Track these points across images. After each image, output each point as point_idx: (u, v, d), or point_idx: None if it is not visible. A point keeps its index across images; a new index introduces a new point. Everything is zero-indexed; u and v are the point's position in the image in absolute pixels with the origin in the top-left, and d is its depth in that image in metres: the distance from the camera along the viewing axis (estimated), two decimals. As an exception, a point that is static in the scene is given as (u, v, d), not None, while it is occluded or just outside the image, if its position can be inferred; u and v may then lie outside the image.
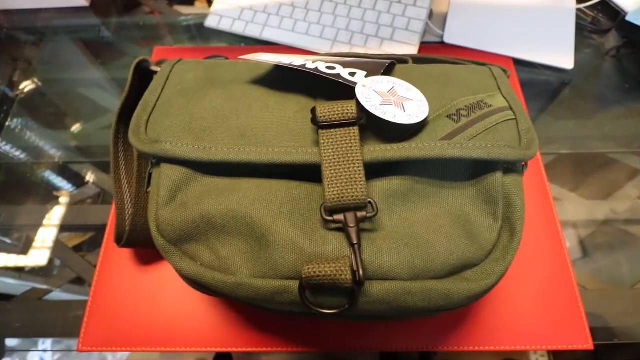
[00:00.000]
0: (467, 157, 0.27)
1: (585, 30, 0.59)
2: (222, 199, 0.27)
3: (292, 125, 0.29)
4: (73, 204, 0.49)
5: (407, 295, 0.25)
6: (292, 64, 0.30)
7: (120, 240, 0.37)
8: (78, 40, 0.61)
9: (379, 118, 0.27)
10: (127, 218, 0.37)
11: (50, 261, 0.45)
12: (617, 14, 0.60)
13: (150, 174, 0.31)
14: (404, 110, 0.27)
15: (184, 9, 0.64)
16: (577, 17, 0.57)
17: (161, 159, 0.29)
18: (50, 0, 0.62)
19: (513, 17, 0.57)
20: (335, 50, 0.55)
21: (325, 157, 0.26)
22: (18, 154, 0.52)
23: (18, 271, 0.46)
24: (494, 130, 0.28)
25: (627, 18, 0.58)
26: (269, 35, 0.57)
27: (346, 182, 0.25)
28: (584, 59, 0.56)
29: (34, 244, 0.47)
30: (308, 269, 0.24)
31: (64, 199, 0.49)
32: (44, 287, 0.44)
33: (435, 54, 0.55)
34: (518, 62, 0.55)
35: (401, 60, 0.39)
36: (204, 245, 0.28)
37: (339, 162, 0.26)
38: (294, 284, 0.25)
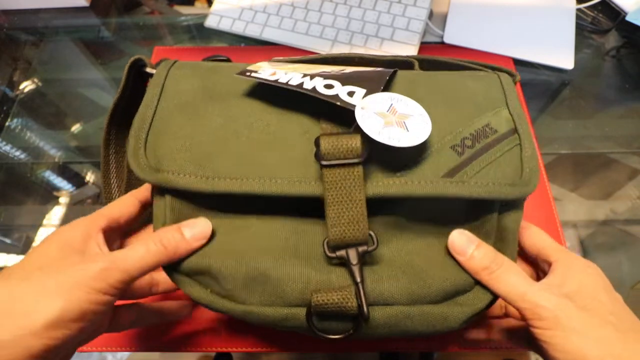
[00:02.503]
0: (467, 197, 0.27)
1: (585, 30, 0.59)
2: (229, 245, 0.28)
3: (295, 152, 0.29)
4: (73, 204, 0.49)
5: (407, 320, 0.27)
6: (290, 82, 0.29)
7: None
8: (78, 40, 0.61)
9: (383, 144, 0.26)
10: None
11: (50, 261, 0.45)
12: (617, 14, 0.60)
13: (151, 193, 0.31)
14: (407, 130, 0.27)
15: (184, 9, 0.64)
16: (577, 17, 0.57)
17: (164, 189, 0.30)
18: (50, 0, 0.62)
19: (513, 17, 0.57)
20: (335, 50, 0.55)
21: (328, 196, 0.27)
22: (18, 154, 0.52)
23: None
24: (496, 165, 0.28)
25: (627, 18, 0.58)
26: (269, 35, 0.57)
27: (348, 223, 0.26)
28: (584, 59, 0.56)
29: (34, 244, 0.47)
30: (316, 297, 0.26)
31: (64, 199, 0.49)
32: (44, 287, 0.44)
33: (436, 54, 0.56)
34: (518, 62, 0.55)
35: (407, 62, 0.37)
36: (212, 278, 0.28)
37: (342, 202, 0.26)
38: (301, 311, 0.26)
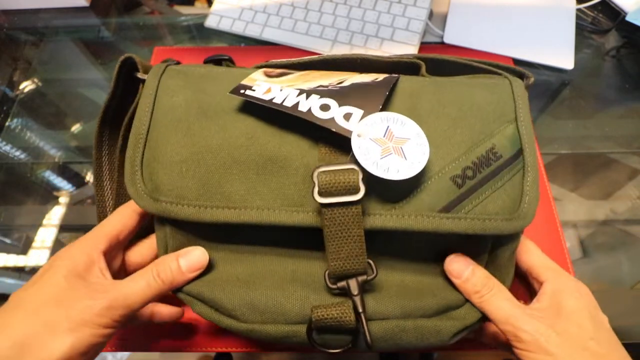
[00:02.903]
0: (462, 232, 0.27)
1: (585, 30, 0.59)
2: (229, 273, 0.30)
3: (294, 180, 0.28)
4: (73, 204, 0.49)
5: (402, 333, 0.28)
6: (285, 103, 0.28)
7: None
8: (78, 40, 0.61)
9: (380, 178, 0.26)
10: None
11: (50, 261, 0.45)
12: (617, 14, 0.60)
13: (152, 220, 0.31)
14: (405, 157, 0.26)
15: (184, 9, 0.64)
16: (577, 17, 0.57)
17: (164, 220, 0.30)
18: (50, 0, 0.62)
19: (513, 17, 0.57)
20: (335, 50, 0.55)
21: (327, 232, 0.27)
22: (18, 154, 0.52)
23: (18, 271, 0.46)
24: (495, 197, 0.28)
25: (627, 18, 0.58)
26: (269, 35, 0.56)
27: (347, 257, 0.27)
28: (584, 59, 0.56)
29: (34, 244, 0.47)
30: (316, 312, 0.27)
31: (64, 199, 0.49)
32: (44, 287, 0.44)
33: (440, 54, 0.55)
34: (518, 62, 0.54)
35: (412, 65, 0.35)
36: (215, 303, 0.29)
37: (340, 237, 0.27)
38: (302, 328, 0.28)
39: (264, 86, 0.30)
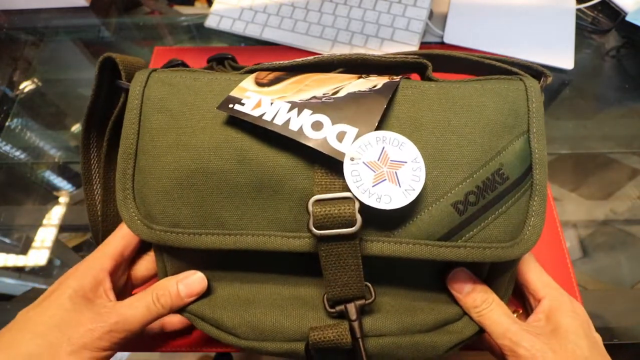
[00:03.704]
0: (460, 261, 0.27)
1: (585, 30, 0.59)
2: (228, 296, 0.31)
3: (290, 204, 0.27)
4: (73, 204, 0.49)
5: (399, 349, 0.28)
6: (275, 120, 0.26)
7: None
8: (78, 40, 0.61)
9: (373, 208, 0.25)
10: (99, 224, 0.35)
11: (50, 261, 0.45)
12: (617, 14, 0.60)
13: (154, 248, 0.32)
14: (399, 185, 0.25)
15: (184, 9, 0.64)
16: (577, 17, 0.57)
17: (160, 247, 0.31)
18: (50, 0, 0.62)
19: (513, 17, 0.57)
20: (335, 50, 0.55)
21: (324, 262, 0.27)
22: (18, 154, 0.52)
23: (18, 271, 0.46)
24: (498, 223, 0.27)
25: (627, 18, 0.58)
26: (269, 35, 0.56)
27: (344, 285, 0.27)
28: (584, 59, 0.56)
29: (34, 244, 0.47)
30: (313, 335, 0.27)
31: (63, 199, 0.49)
32: (44, 287, 0.44)
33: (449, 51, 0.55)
34: (518, 62, 0.55)
35: (418, 65, 0.32)
36: (217, 321, 0.30)
37: (337, 267, 0.27)
38: (301, 345, 0.28)
39: (254, 98, 0.28)
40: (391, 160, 0.26)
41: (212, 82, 0.30)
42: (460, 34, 0.56)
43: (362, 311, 0.29)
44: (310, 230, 0.25)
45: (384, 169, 0.26)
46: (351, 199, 0.25)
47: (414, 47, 0.54)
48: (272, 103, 0.27)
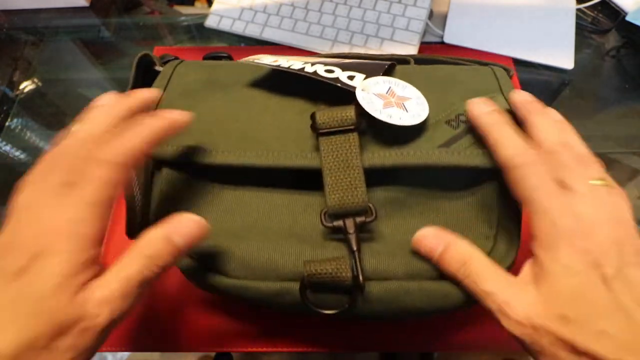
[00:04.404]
0: (463, 165, 0.27)
1: (585, 30, 0.59)
2: (225, 224, 0.29)
3: (292, 128, 0.29)
4: (73, 204, 0.49)
5: (406, 295, 0.26)
6: (291, 67, 0.30)
7: (133, 232, 0.35)
8: (78, 40, 0.61)
9: (380, 121, 0.27)
10: (137, 208, 0.35)
11: (50, 261, 0.45)
12: (617, 14, 0.60)
13: (152, 175, 0.31)
14: (406, 111, 0.27)
15: (184, 9, 0.64)
16: (577, 17, 0.57)
17: (162, 163, 0.30)
18: (50, 0, 0.62)
19: (513, 17, 0.57)
20: (335, 50, 0.55)
21: (325, 164, 0.27)
22: (18, 154, 0.52)
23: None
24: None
25: (627, 18, 0.58)
26: (269, 35, 0.57)
27: (346, 188, 0.26)
28: (584, 59, 0.56)
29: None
30: (309, 267, 0.25)
31: (64, 199, 0.49)
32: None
33: (436, 54, 0.55)
34: (518, 62, 0.55)
35: (402, 60, 0.38)
36: (204, 255, 0.28)
37: (339, 168, 0.26)
38: (295, 285, 0.26)
39: (272, 58, 0.33)
40: (398, 95, 0.29)
41: (233, 63, 0.36)
42: (460, 34, 0.56)
43: (363, 237, 0.27)
44: (311, 130, 0.27)
45: (392, 100, 0.28)
46: (351, 107, 0.27)
47: (414, 47, 0.54)
48: (287, 60, 0.31)
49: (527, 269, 0.24)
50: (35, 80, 0.58)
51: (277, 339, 0.38)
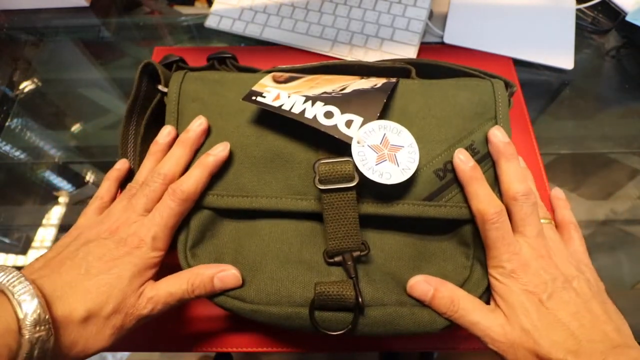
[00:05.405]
0: (442, 217, 0.32)
1: (585, 30, 0.59)
2: (243, 252, 0.33)
3: (298, 173, 0.33)
4: (73, 204, 0.49)
5: (400, 319, 0.30)
6: (293, 110, 0.32)
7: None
8: (78, 40, 0.61)
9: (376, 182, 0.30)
10: None
11: (50, 261, 0.45)
12: (617, 14, 0.60)
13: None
14: (397, 164, 0.30)
15: (184, 9, 0.64)
16: (577, 17, 0.57)
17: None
18: (50, 0, 0.62)
19: (513, 17, 0.57)
20: (335, 50, 0.55)
21: (326, 215, 0.31)
22: (18, 154, 0.52)
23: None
24: None
25: (627, 18, 0.58)
26: (269, 35, 0.57)
27: (343, 237, 0.31)
28: (584, 59, 0.56)
29: (34, 244, 0.47)
30: (319, 287, 0.29)
31: (63, 199, 0.49)
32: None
33: (436, 54, 0.55)
34: (518, 62, 0.55)
35: (404, 70, 0.39)
36: None
37: (338, 219, 0.31)
38: (304, 310, 0.30)
39: (274, 93, 0.34)
40: (391, 145, 0.31)
41: (236, 79, 0.37)
42: (460, 34, 0.56)
43: (360, 263, 0.32)
44: (315, 185, 0.30)
45: (385, 152, 0.31)
46: (349, 161, 0.30)
47: (414, 47, 0.54)
48: (289, 96, 0.33)
49: (492, 297, 0.31)
50: (35, 80, 0.58)
51: (277, 339, 0.38)
